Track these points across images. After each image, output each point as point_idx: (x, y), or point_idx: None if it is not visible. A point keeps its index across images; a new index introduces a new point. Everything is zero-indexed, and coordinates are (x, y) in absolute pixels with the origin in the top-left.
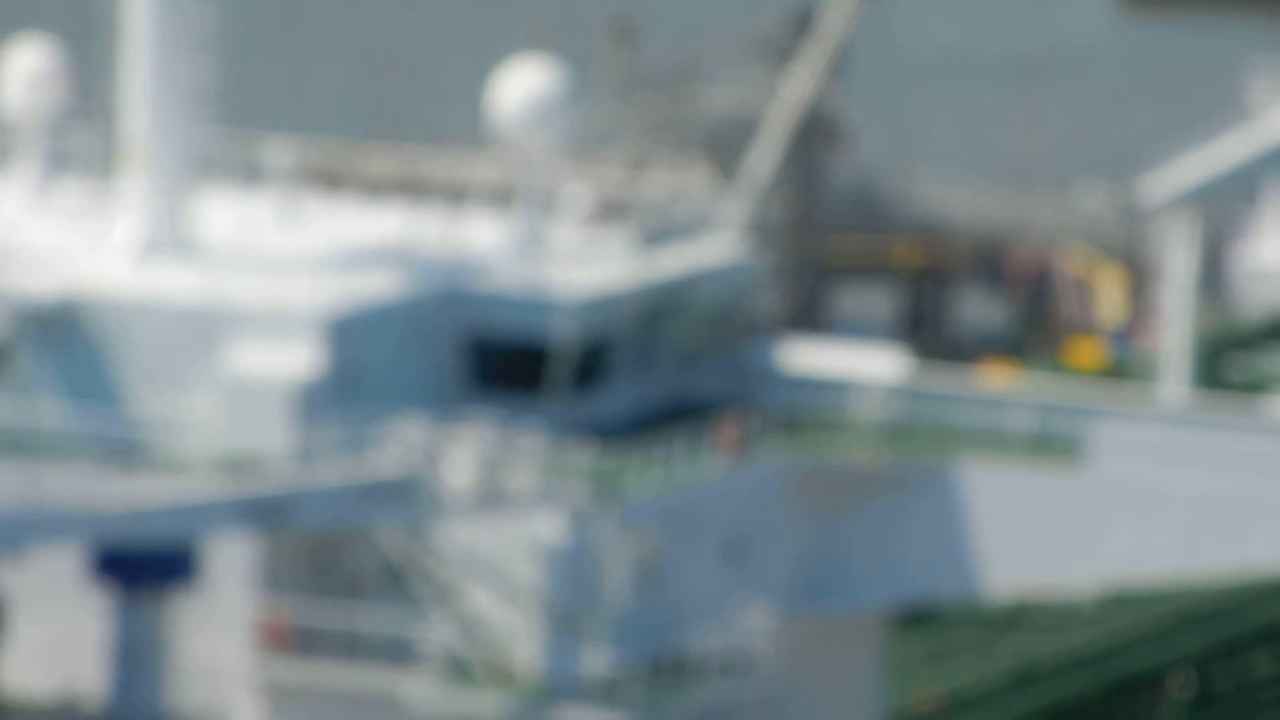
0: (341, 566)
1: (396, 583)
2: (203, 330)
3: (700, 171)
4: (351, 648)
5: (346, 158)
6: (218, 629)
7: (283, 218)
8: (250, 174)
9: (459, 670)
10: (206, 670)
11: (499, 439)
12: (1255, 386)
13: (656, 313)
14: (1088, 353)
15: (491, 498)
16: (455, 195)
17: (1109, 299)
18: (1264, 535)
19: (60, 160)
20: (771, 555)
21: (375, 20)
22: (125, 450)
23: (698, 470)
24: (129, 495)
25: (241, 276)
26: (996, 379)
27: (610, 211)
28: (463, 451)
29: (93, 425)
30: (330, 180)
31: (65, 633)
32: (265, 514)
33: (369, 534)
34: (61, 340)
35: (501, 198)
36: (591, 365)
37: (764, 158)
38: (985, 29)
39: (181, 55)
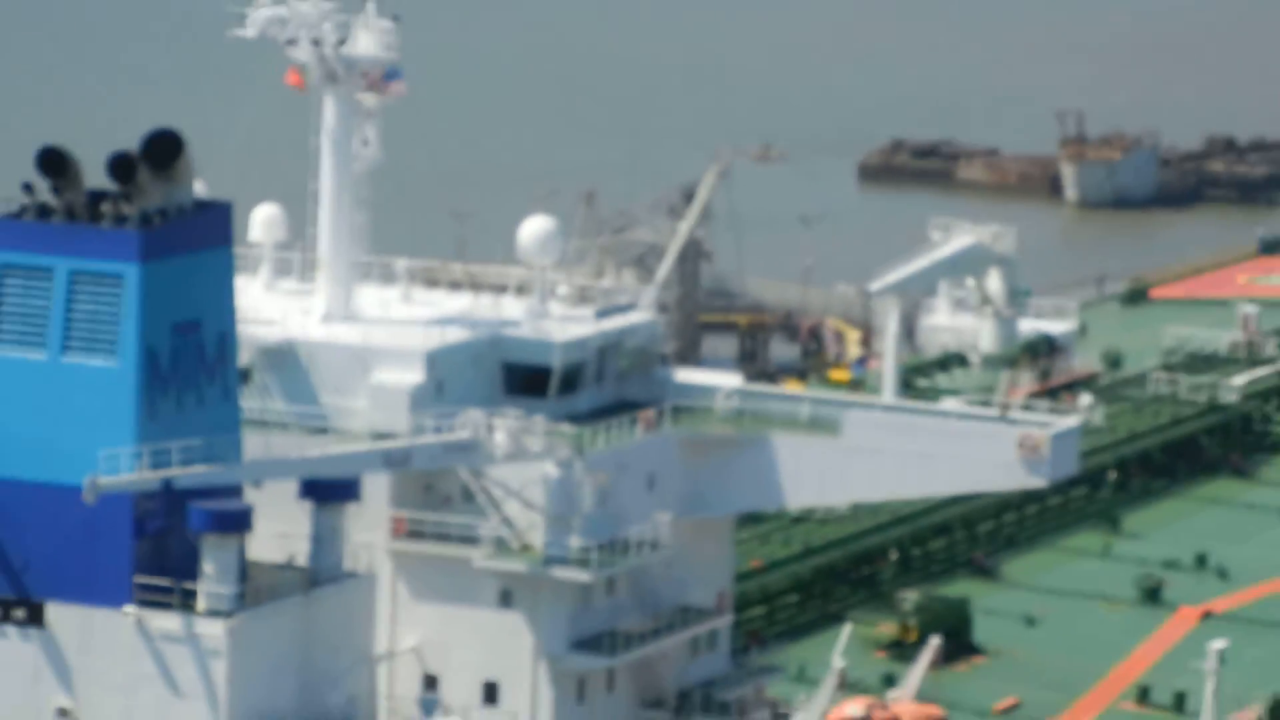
0: (437, 490)
1: (468, 499)
2: (359, 360)
3: (630, 276)
4: (442, 534)
5: (438, 268)
6: (369, 524)
7: (403, 300)
8: (385, 276)
9: (502, 546)
10: (363, 547)
11: (522, 420)
12: (931, 394)
13: (605, 351)
14: (841, 374)
15: (518, 453)
16: (499, 288)
17: (852, 345)
18: (939, 475)
19: (283, 267)
20: (669, 485)
21: (455, 194)
22: (318, 426)
23: (629, 438)
24: (320, 451)
25: (380, 331)
26: (792, 388)
27: (582, 297)
28: (502, 427)
29: (299, 413)
30: (429, 280)
31: (288, 529)
32: (394, 461)
33: (452, 472)
34: (282, 365)
35: (524, 289)
36: (571, 380)
37: (665, 268)
38: (785, 198)
39: (346, 210)
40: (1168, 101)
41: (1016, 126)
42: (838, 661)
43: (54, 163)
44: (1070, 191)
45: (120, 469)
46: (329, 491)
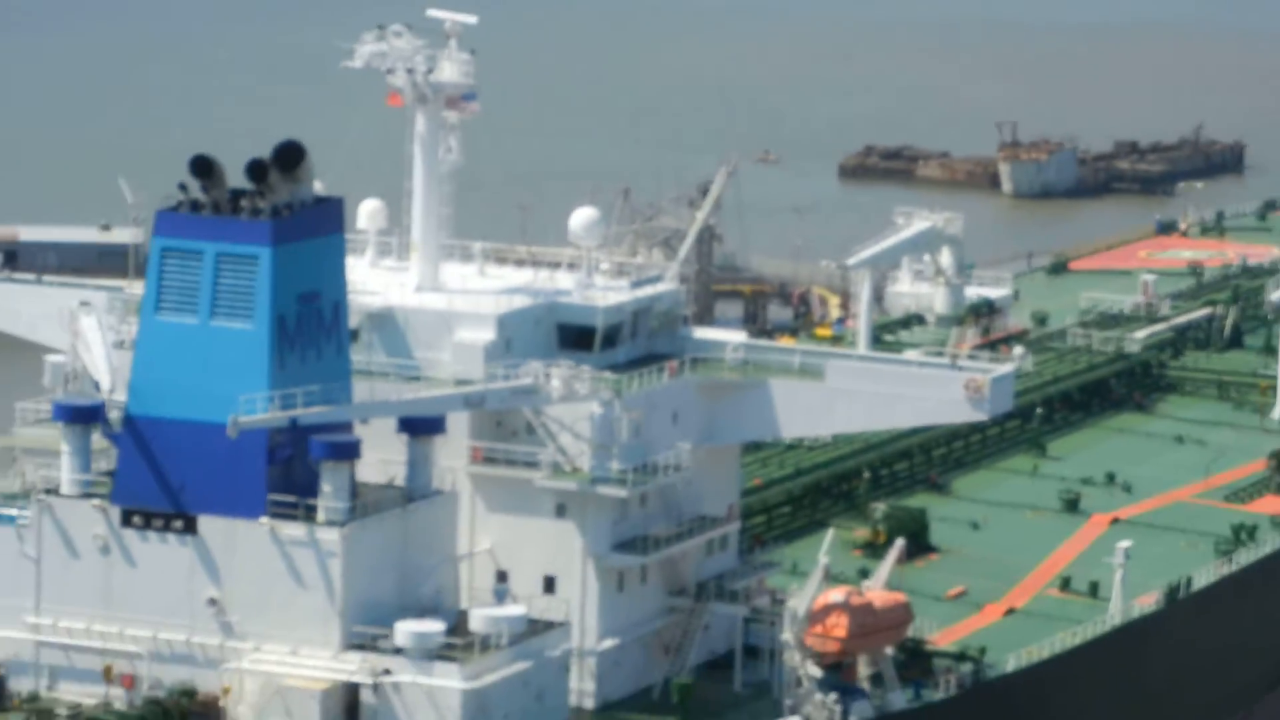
0: (506, 424)
1: (530, 432)
2: (444, 323)
3: (658, 254)
4: (510, 460)
5: (506, 249)
6: (452, 452)
7: (479, 274)
8: (464, 256)
9: (557, 469)
10: (448, 470)
11: (572, 369)
12: (896, 346)
13: (639, 314)
14: (824, 331)
15: (569, 395)
16: (554, 265)
17: (833, 308)
18: (902, 410)
19: (384, 249)
20: (689, 419)
21: (519, 190)
22: (412, 375)
23: (658, 382)
24: (413, 395)
25: (461, 299)
26: (785, 343)
27: (620, 271)
28: (558, 374)
29: (396, 365)
30: (499, 258)
31: (389, 456)
32: (472, 403)
33: (518, 410)
34: (383, 326)
35: (574, 265)
36: (611, 337)
37: (685, 248)
38: (780, 192)
39: (434, 204)
40: (1084, 113)
41: (964, 134)
42: (823, 558)
43: (203, 168)
44: (1006, 185)
45: (256, 410)
46: (421, 426)
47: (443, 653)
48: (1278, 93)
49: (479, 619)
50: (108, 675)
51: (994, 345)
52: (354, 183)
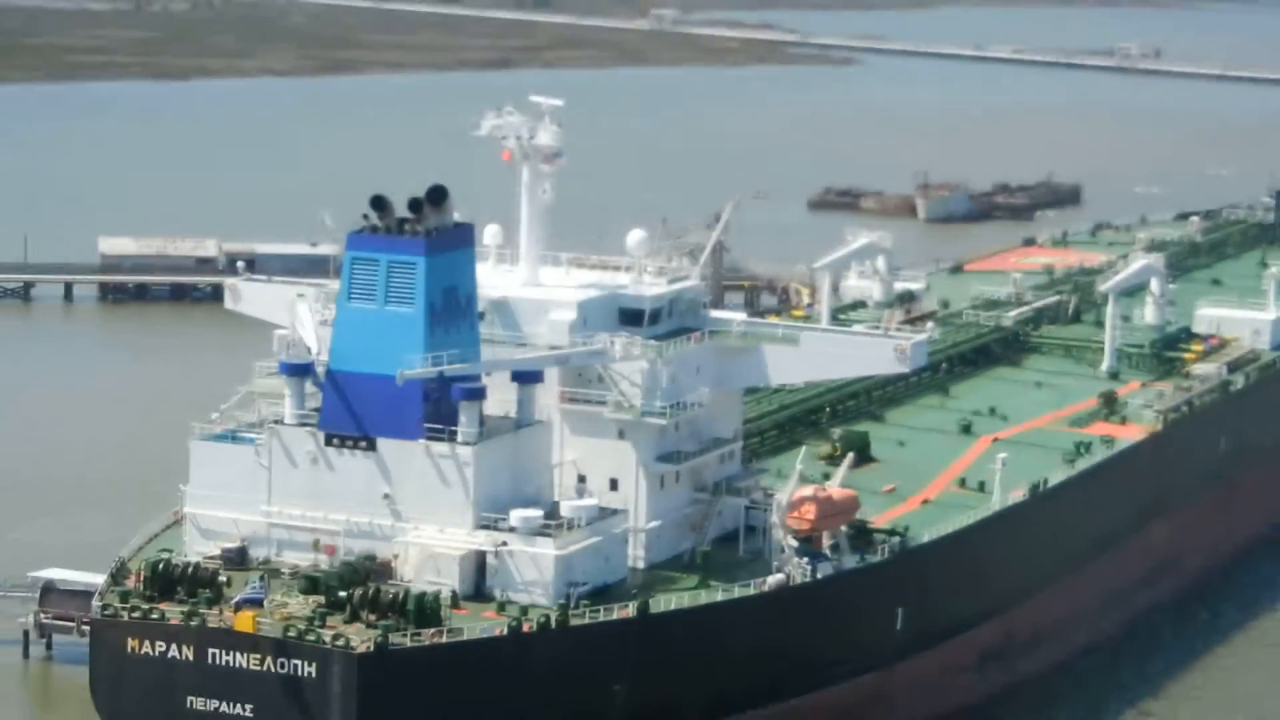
0: (584, 375)
1: (601, 380)
2: (542, 307)
3: (686, 261)
4: (586, 400)
5: (584, 258)
6: (548, 394)
7: (565, 275)
8: (555, 262)
9: (619, 406)
10: (545, 407)
11: (629, 338)
12: (847, 322)
13: (673, 301)
14: (799, 313)
15: (627, 356)
16: (616, 268)
17: (805, 297)
18: (852, 365)
19: (502, 257)
20: (708, 372)
21: (593, 219)
22: (520, 343)
23: (687, 347)
24: (521, 356)
25: (554, 291)
26: (773, 320)
27: (660, 272)
28: (618, 342)
29: (509, 336)
30: (578, 264)
31: (505, 398)
32: (561, 361)
33: (592, 366)
34: (501, 310)
35: (629, 268)
36: (655, 317)
37: (705, 256)
38: (768, 219)
39: (535, 228)
40: (973, 164)
41: (892, 179)
42: (798, 466)
43: (379, 203)
44: (921, 214)
45: (415, 366)
46: (526, 377)
47: (542, 530)
48: (1099, 152)
49: (566, 507)
50: (315, 546)
51: (913, 321)
52: (481, 213)
